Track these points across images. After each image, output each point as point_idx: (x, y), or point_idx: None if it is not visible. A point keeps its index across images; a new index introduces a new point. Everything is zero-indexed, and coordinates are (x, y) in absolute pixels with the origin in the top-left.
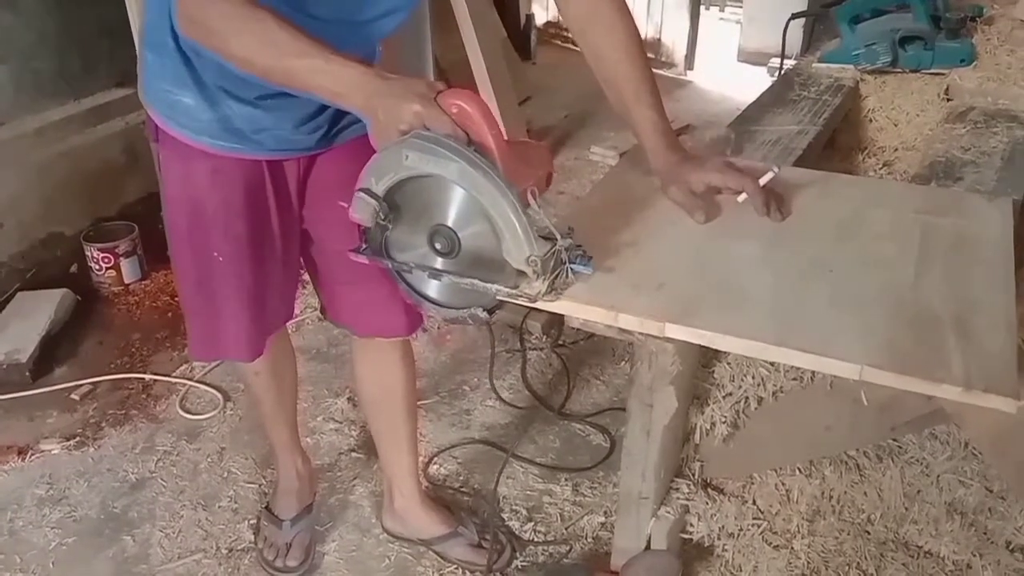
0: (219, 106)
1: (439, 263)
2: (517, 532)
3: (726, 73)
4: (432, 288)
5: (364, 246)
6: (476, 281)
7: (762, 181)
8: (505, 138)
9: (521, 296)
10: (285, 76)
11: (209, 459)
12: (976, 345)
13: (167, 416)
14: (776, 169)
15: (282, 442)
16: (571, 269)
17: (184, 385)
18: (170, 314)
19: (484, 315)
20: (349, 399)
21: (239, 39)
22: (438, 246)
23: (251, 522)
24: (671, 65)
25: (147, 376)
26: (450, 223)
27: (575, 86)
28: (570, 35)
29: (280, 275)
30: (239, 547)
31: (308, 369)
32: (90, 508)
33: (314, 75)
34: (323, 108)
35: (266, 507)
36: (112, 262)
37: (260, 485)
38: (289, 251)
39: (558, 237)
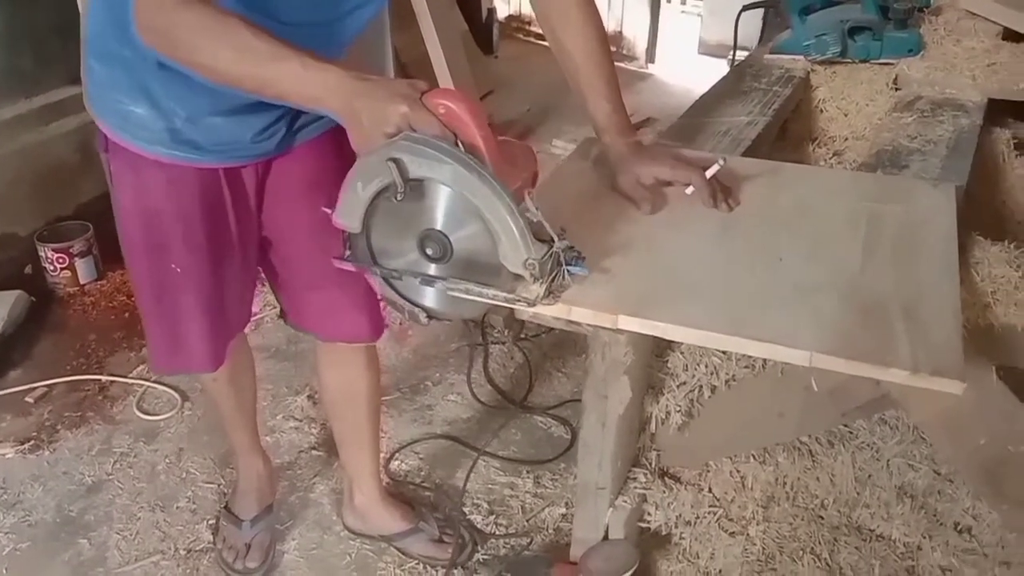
0: (174, 117)
1: (432, 269)
2: (479, 526)
3: (687, 66)
4: (423, 295)
5: (348, 253)
6: (471, 286)
7: (708, 173)
8: (494, 138)
9: (519, 301)
10: (260, 84)
11: (167, 460)
12: (922, 330)
13: (124, 417)
14: (722, 161)
15: (242, 444)
16: (568, 271)
17: (141, 386)
18: (127, 314)
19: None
20: (309, 397)
21: (209, 49)
22: (429, 251)
23: (210, 522)
24: (632, 58)
25: (103, 377)
26: (440, 227)
27: (537, 80)
28: (533, 29)
29: (239, 282)
30: (198, 548)
31: (267, 367)
32: (45, 512)
33: (291, 81)
34: (282, 115)
35: (225, 507)
36: (67, 262)
37: (219, 485)
38: (247, 258)
39: (555, 239)
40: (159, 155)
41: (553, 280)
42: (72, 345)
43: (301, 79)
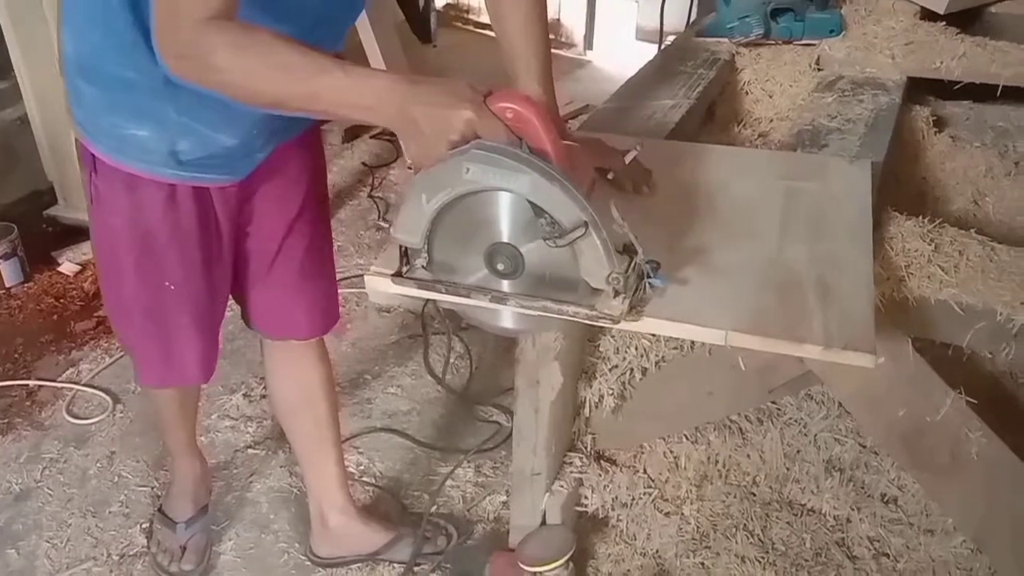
0: (181, 138)
1: (504, 285)
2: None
3: (625, 52)
4: (492, 313)
5: (406, 269)
6: (548, 304)
7: (627, 158)
8: (562, 142)
9: (603, 318)
10: (304, 100)
11: (98, 464)
12: (836, 305)
13: (53, 423)
14: (639, 147)
15: (180, 445)
16: (649, 284)
17: (71, 390)
18: (55, 317)
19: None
20: (245, 395)
21: (245, 69)
22: (500, 267)
23: (143, 526)
24: (570, 45)
25: (31, 382)
26: (508, 239)
27: (477, 69)
28: (472, 17)
29: (225, 291)
30: (131, 552)
31: None
32: None
33: (339, 93)
34: (277, 124)
35: (159, 510)
36: None
37: (152, 488)
38: (229, 264)
39: (639, 250)
40: (159, 175)
41: (635, 294)
42: None
43: (350, 89)
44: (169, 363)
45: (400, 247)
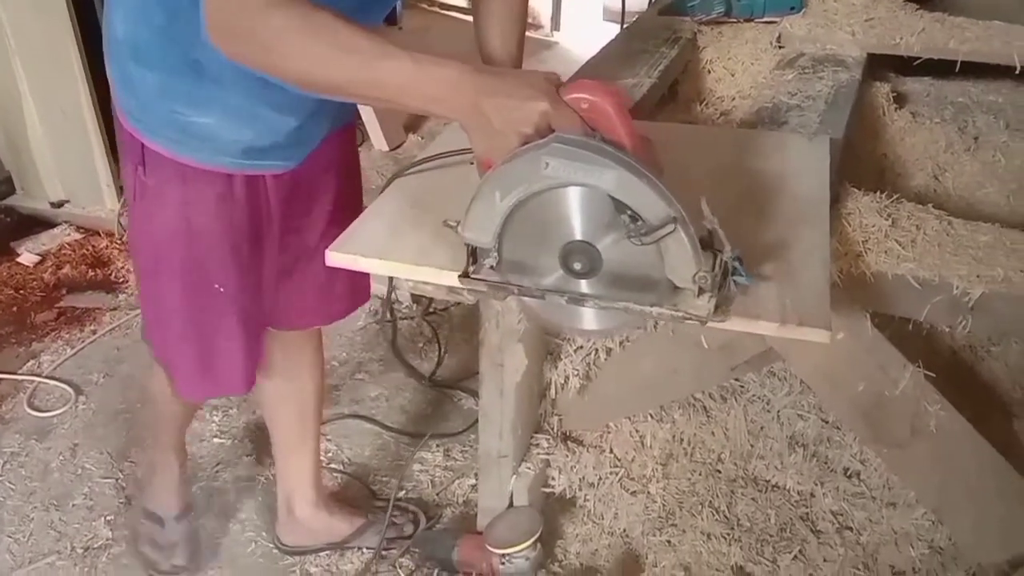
0: (251, 123)
1: (581, 286)
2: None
3: (592, 33)
4: (568, 315)
5: (473, 268)
6: (631, 305)
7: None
8: (639, 134)
9: (689, 319)
10: (367, 86)
11: (61, 457)
12: (792, 282)
13: (14, 416)
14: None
15: (173, 443)
16: (734, 281)
17: (32, 382)
18: (15, 308)
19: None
20: None
21: (306, 52)
22: (577, 266)
23: (108, 518)
24: (537, 27)
25: None
26: (583, 237)
27: (442, 51)
28: None
29: (271, 293)
30: (95, 545)
31: None
32: None
33: (405, 81)
34: (329, 111)
35: (143, 508)
36: None
37: (117, 480)
38: (276, 265)
39: (727, 247)
40: (218, 166)
41: (719, 292)
42: None
43: (416, 78)
44: (206, 372)
45: (467, 246)
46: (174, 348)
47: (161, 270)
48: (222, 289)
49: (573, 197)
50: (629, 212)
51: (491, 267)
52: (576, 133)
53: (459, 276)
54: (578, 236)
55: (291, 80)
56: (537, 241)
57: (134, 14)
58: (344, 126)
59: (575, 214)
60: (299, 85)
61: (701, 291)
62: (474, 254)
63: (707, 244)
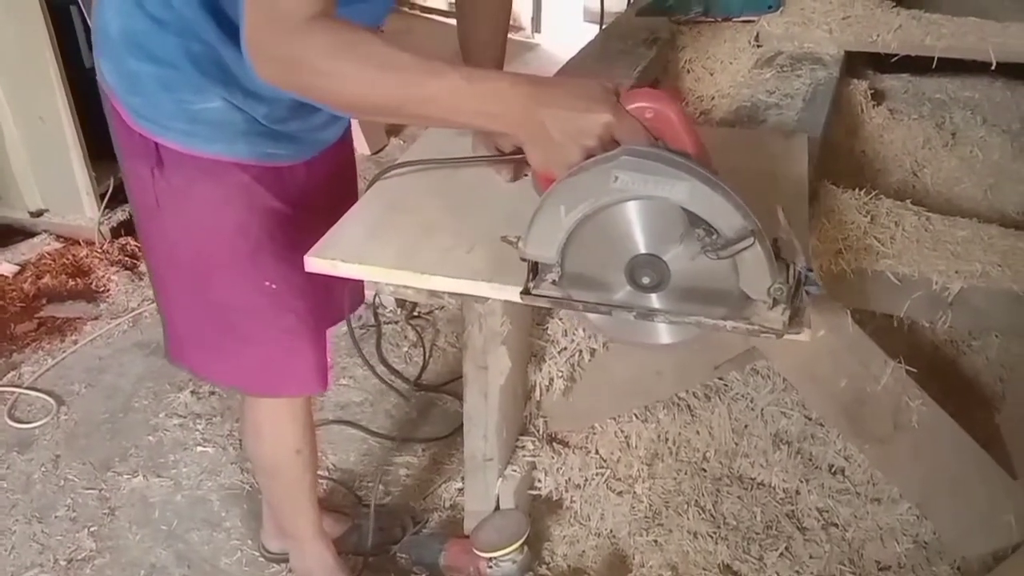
0: (257, 101)
1: (649, 300)
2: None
3: (573, 34)
4: (635, 330)
5: (532, 283)
6: (703, 319)
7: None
8: (703, 142)
9: (766, 332)
10: (416, 106)
11: (43, 468)
12: None
13: None
14: None
15: (311, 527)
16: (806, 291)
17: (12, 393)
18: None
19: None
20: (192, 392)
21: (354, 74)
22: (645, 280)
23: (91, 530)
24: (518, 28)
25: None
26: (653, 250)
27: (424, 54)
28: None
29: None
30: (79, 557)
31: (148, 364)
32: None
33: (456, 98)
34: None
35: None
36: None
37: (100, 491)
38: None
39: (800, 257)
40: (234, 156)
41: (792, 303)
42: None
43: (468, 94)
44: (277, 372)
45: (528, 261)
46: (222, 347)
47: (211, 270)
48: (274, 286)
49: (641, 210)
50: (704, 225)
51: (552, 282)
52: (642, 144)
53: (520, 293)
54: (646, 249)
55: (334, 103)
56: (602, 255)
57: (127, 6)
58: (344, 132)
59: (643, 227)
60: (342, 107)
61: (776, 303)
62: (535, 269)
63: (776, 253)
